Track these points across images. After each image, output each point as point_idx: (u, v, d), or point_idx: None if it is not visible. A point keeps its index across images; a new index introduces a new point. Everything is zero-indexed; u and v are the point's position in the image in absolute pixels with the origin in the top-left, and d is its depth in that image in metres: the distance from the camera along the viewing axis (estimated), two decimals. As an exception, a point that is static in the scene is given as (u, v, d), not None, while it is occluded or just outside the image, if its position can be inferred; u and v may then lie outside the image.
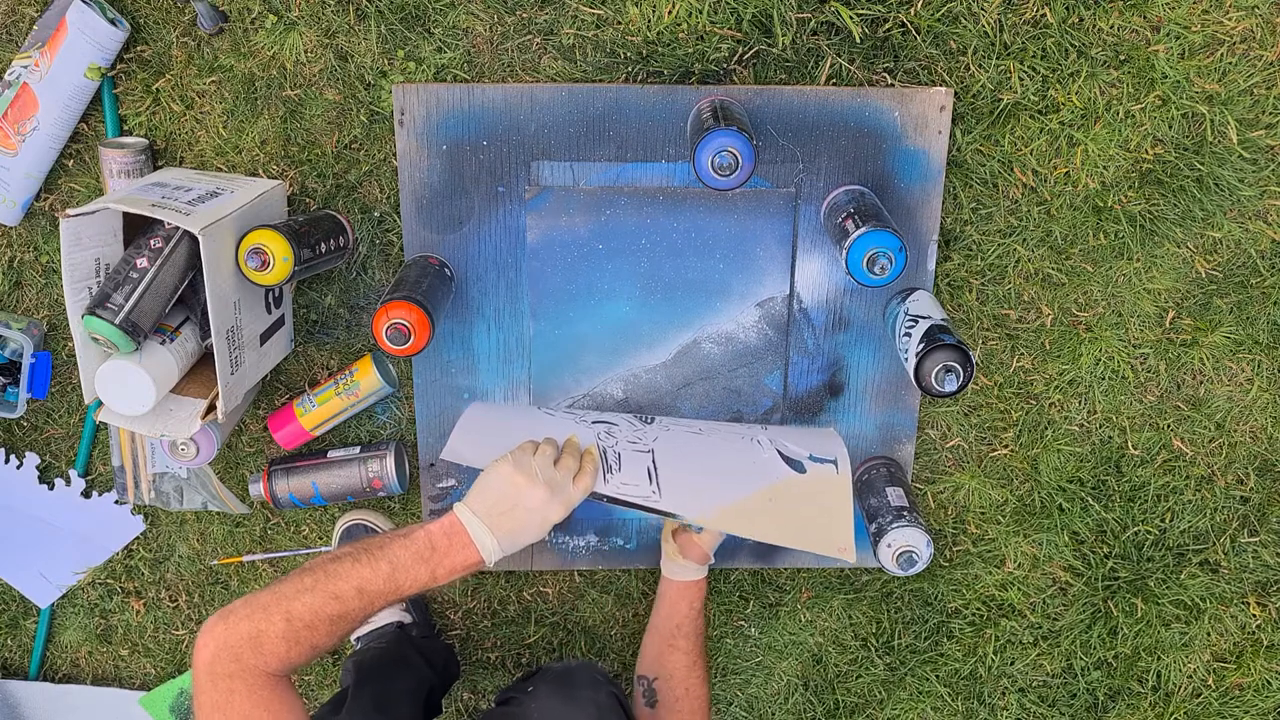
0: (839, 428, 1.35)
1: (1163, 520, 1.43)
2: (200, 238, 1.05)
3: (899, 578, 1.45)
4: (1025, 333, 1.33)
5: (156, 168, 1.25)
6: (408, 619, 1.39)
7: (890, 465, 1.34)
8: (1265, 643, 1.48)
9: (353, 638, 1.39)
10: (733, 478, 1.18)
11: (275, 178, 1.25)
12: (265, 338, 1.23)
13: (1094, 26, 1.19)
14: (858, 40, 1.17)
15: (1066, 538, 1.42)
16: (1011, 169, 1.25)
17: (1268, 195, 1.26)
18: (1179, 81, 1.20)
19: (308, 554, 1.43)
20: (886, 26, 1.18)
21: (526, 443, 1.10)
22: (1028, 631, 1.48)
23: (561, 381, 1.33)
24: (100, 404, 1.16)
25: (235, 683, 0.93)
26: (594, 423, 1.24)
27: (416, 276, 1.19)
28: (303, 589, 0.97)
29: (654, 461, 1.17)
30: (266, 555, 1.43)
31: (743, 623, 1.48)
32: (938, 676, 1.50)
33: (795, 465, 1.21)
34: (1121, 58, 1.20)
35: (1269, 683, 1.49)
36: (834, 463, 1.21)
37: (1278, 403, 1.37)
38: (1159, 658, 1.48)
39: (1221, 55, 1.20)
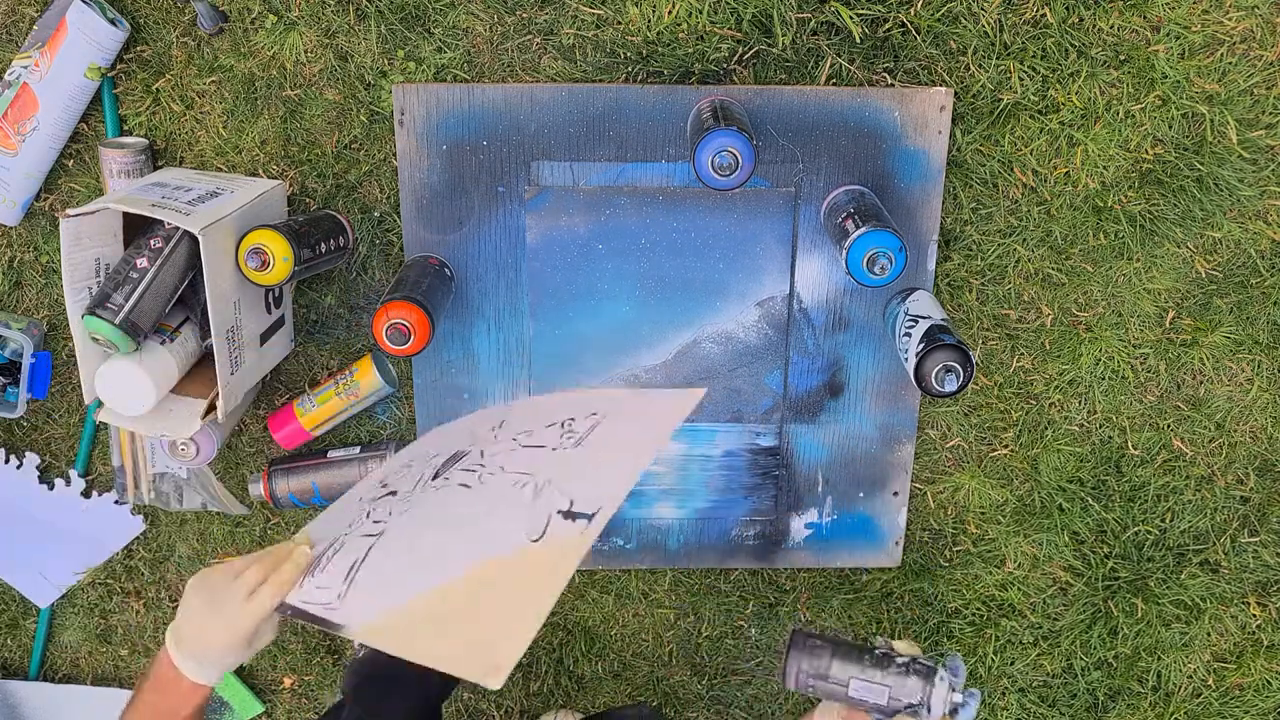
0: (839, 428, 1.35)
1: (1163, 520, 1.43)
2: (200, 238, 1.05)
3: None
4: (1025, 333, 1.33)
5: (156, 168, 1.25)
6: None
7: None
8: (1265, 643, 1.48)
9: (355, 643, 1.39)
10: (439, 560, 0.90)
11: (275, 178, 1.25)
12: (265, 338, 1.23)
13: (1094, 26, 1.19)
14: (858, 40, 1.17)
15: (1066, 538, 1.42)
16: (1011, 169, 1.25)
17: (1268, 195, 1.26)
18: (1179, 81, 1.20)
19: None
20: (886, 26, 1.18)
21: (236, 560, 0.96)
22: (1028, 631, 1.48)
23: (562, 381, 1.33)
24: (100, 404, 1.16)
25: None
26: (383, 494, 1.01)
27: (416, 276, 1.19)
28: None
29: (371, 549, 0.94)
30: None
31: (743, 623, 1.48)
32: (938, 676, 1.50)
33: (529, 537, 0.87)
34: (1121, 58, 1.20)
35: (1269, 683, 1.49)
36: (589, 517, 0.85)
37: (1278, 403, 1.37)
38: (1159, 658, 1.48)
39: (1221, 55, 1.20)
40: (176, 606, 1.46)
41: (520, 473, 0.94)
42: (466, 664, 0.76)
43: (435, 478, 1.00)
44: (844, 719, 0.99)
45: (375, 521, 0.97)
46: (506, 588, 0.82)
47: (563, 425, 0.98)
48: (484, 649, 0.77)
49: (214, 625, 0.91)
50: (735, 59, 1.20)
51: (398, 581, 0.89)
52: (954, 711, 0.96)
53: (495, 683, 0.73)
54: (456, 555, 0.88)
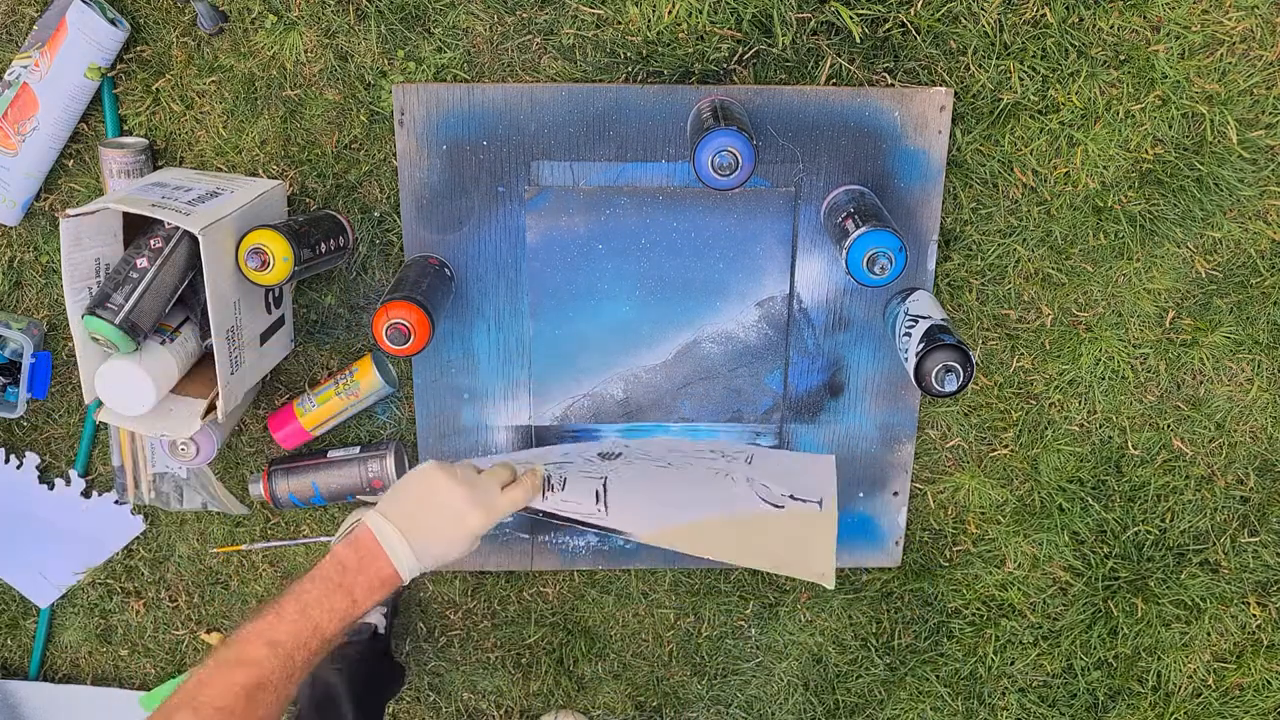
0: (839, 428, 1.35)
1: (1163, 520, 1.43)
2: (200, 238, 1.05)
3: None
4: (1025, 333, 1.33)
5: (156, 168, 1.25)
6: (383, 625, 1.39)
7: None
8: (1265, 643, 1.48)
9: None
10: (694, 504, 1.10)
11: (275, 178, 1.25)
12: (265, 338, 1.23)
13: (1094, 26, 1.19)
14: (858, 40, 1.17)
15: (1066, 538, 1.42)
16: (1011, 169, 1.25)
17: (1268, 195, 1.26)
18: (1179, 81, 1.20)
19: (308, 543, 1.43)
20: (886, 26, 1.18)
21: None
22: (1028, 631, 1.48)
23: (561, 381, 1.33)
24: (100, 404, 1.16)
25: None
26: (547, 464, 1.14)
27: (416, 276, 1.19)
28: (207, 670, 0.83)
29: (604, 486, 1.08)
30: (267, 545, 1.43)
31: (743, 623, 1.48)
32: (938, 676, 1.50)
33: (771, 505, 1.11)
34: (1121, 58, 1.20)
35: (1269, 683, 1.49)
36: (818, 503, 1.10)
37: (1278, 403, 1.37)
38: (1159, 658, 1.48)
39: (1221, 55, 1.20)
40: (178, 605, 1.47)
41: (713, 467, 1.14)
42: (801, 570, 1.07)
43: (604, 458, 1.14)
44: None
45: (582, 471, 1.10)
46: (786, 529, 1.07)
47: (713, 452, 1.18)
48: (805, 564, 1.07)
49: (466, 508, 0.93)
50: (735, 59, 1.20)
51: (658, 512, 1.07)
52: None
53: (830, 583, 1.04)
54: (707, 502, 1.09)
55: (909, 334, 1.16)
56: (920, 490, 1.41)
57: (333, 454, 1.34)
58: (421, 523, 0.92)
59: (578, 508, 1.04)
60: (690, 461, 1.16)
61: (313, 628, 0.86)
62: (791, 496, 1.10)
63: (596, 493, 1.06)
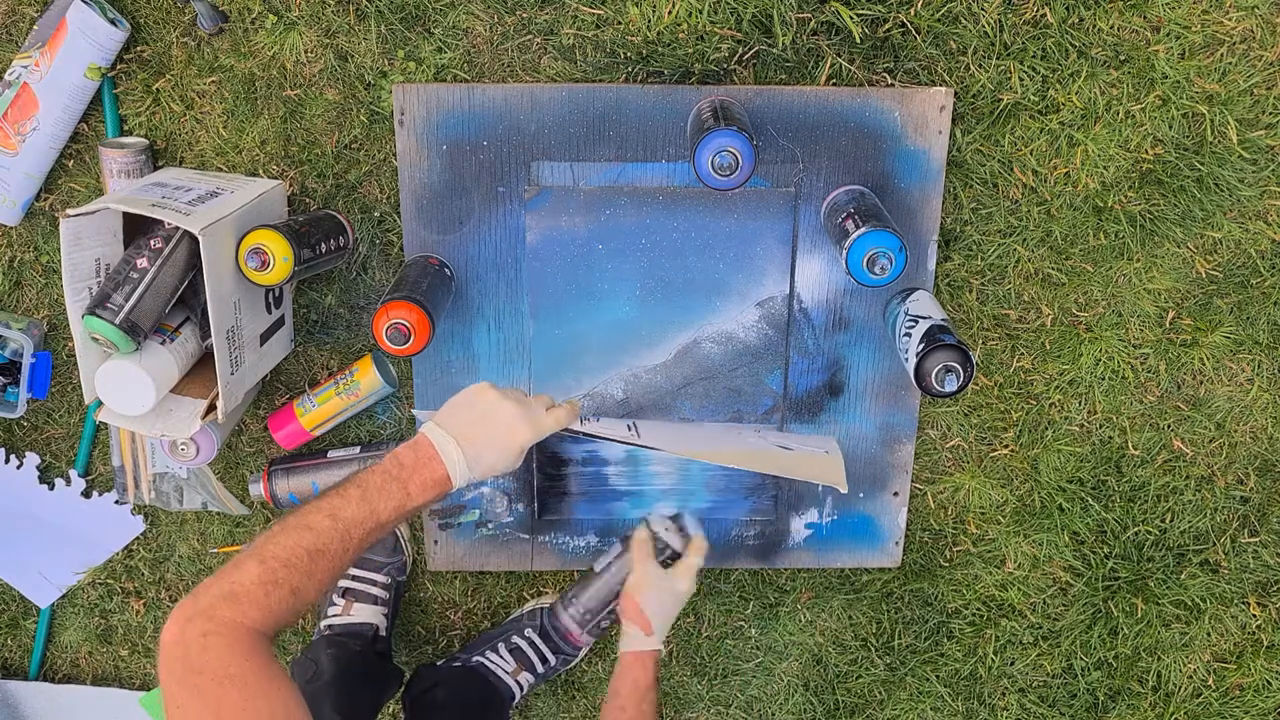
0: (839, 428, 1.35)
1: (1163, 520, 1.43)
2: (200, 238, 1.05)
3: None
4: (1025, 333, 1.33)
5: (156, 168, 1.25)
6: (384, 627, 1.38)
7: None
8: (1265, 643, 1.48)
9: (322, 623, 1.38)
10: (715, 441, 1.28)
11: (275, 178, 1.25)
12: (265, 338, 1.23)
13: (1094, 26, 1.19)
14: (858, 40, 1.17)
15: (1066, 538, 1.42)
16: (1011, 169, 1.25)
17: (1268, 195, 1.26)
18: (1179, 81, 1.20)
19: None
20: (886, 26, 1.18)
21: None
22: (1028, 631, 1.48)
23: (562, 381, 1.33)
24: (100, 404, 1.16)
25: (211, 639, 0.82)
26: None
27: (416, 276, 1.19)
28: (273, 533, 0.91)
29: (634, 423, 1.23)
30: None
31: (743, 623, 1.48)
32: (938, 676, 1.50)
33: (783, 449, 1.29)
34: (1121, 58, 1.20)
35: (1269, 683, 1.49)
36: (824, 451, 1.29)
37: (1278, 403, 1.37)
38: (1159, 658, 1.48)
39: (1221, 55, 1.20)
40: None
41: (729, 429, 1.33)
42: (814, 478, 1.27)
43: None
44: (633, 617, 1.24)
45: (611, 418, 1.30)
46: (798, 457, 1.27)
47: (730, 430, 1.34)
48: (819, 476, 1.26)
49: (517, 422, 1.01)
50: (735, 59, 1.20)
51: (686, 440, 1.26)
52: (678, 523, 1.29)
53: (844, 488, 1.23)
54: (731, 440, 1.29)
55: (909, 334, 1.16)
56: (920, 490, 1.41)
57: (333, 454, 1.34)
58: (475, 434, 0.99)
59: (612, 432, 1.18)
60: (712, 424, 1.36)
61: (370, 510, 0.94)
62: (799, 445, 1.30)
63: (628, 425, 1.22)
